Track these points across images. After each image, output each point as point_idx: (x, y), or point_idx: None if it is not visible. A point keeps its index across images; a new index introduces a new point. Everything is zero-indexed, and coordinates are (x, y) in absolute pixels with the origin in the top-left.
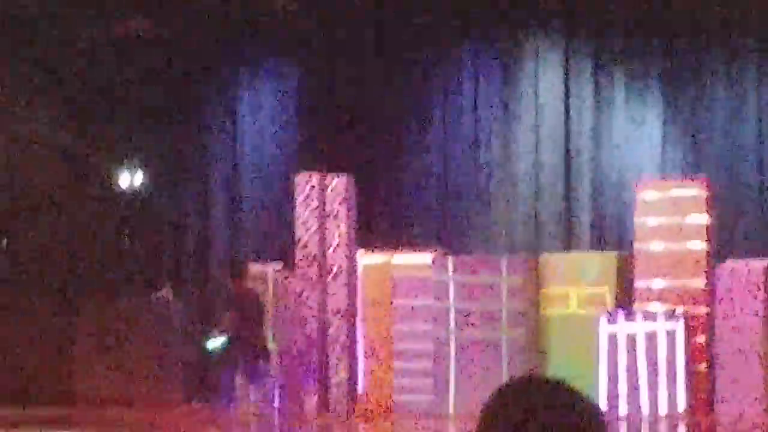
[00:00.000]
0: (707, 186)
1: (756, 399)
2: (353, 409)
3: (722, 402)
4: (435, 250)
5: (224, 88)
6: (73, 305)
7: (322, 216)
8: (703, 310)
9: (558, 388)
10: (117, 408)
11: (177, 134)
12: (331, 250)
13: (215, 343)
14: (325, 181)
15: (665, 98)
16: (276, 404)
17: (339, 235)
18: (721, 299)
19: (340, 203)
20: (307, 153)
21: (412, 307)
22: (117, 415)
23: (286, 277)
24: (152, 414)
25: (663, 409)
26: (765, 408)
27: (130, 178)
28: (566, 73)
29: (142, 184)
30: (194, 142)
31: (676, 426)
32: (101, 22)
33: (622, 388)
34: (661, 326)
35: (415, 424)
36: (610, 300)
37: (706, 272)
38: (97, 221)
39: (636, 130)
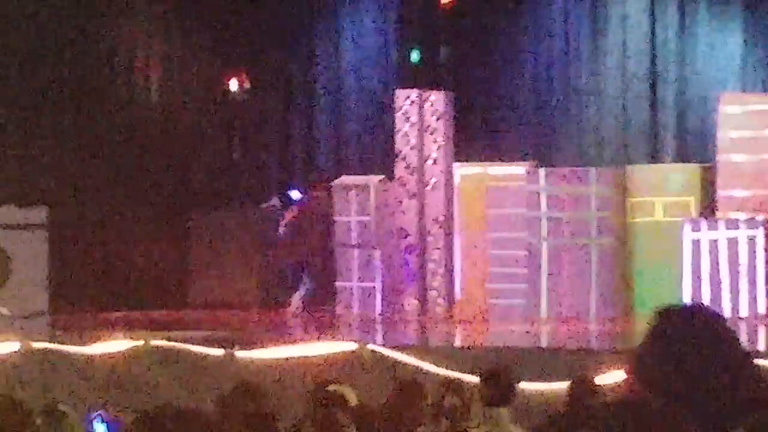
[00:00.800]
0: None
1: None
2: (451, 312)
3: None
4: (528, 162)
5: (328, 5)
6: (186, 215)
7: (421, 130)
8: None
9: (720, 321)
10: (227, 311)
11: (283, 49)
12: (430, 162)
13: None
14: (424, 97)
15: (748, 17)
16: (378, 308)
17: (437, 148)
18: None
19: (437, 118)
20: (407, 71)
21: (506, 216)
22: (226, 318)
23: (387, 189)
24: (260, 316)
25: (744, 311)
26: None
27: (238, 88)
28: None
29: (250, 93)
30: (300, 59)
31: (756, 326)
32: None
33: (705, 291)
34: (743, 233)
35: (510, 326)
36: (693, 210)
37: None
38: (209, 133)
39: (719, 48)
